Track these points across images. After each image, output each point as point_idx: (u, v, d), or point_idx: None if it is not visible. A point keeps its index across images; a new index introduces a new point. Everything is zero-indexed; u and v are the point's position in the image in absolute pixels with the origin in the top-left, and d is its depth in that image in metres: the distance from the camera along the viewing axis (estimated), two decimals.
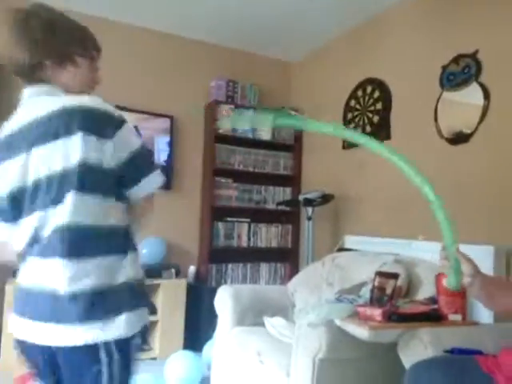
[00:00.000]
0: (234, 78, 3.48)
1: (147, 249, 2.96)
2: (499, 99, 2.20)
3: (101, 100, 0.97)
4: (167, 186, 3.19)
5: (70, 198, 0.90)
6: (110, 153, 0.93)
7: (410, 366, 1.32)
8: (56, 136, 0.91)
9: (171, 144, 3.27)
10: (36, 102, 0.98)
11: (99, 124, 0.93)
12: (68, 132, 0.91)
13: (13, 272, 2.52)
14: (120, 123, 0.96)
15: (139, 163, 0.99)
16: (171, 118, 3.28)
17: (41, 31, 0.97)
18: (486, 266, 2.04)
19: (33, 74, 0.99)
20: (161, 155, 3.23)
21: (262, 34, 3.35)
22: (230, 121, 1.07)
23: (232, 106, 3.37)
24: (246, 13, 3.07)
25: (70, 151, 0.90)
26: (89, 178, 0.91)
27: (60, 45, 1.00)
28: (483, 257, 2.07)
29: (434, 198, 1.04)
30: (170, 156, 3.26)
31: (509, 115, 2.16)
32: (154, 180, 1.01)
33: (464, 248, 2.30)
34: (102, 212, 0.93)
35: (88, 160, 0.91)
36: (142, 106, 3.18)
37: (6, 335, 2.35)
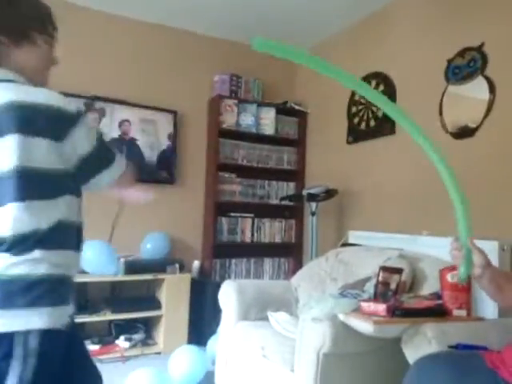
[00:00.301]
0: (238, 73, 3.46)
1: (151, 244, 2.97)
2: (505, 93, 2.18)
3: (55, 94, 0.90)
4: (170, 180, 3.19)
5: (10, 209, 0.85)
6: (62, 153, 0.88)
7: (414, 361, 1.32)
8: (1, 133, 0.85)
9: (175, 139, 3.27)
10: None
11: (50, 124, 0.87)
12: (6, 132, 0.84)
13: None
14: (74, 121, 0.90)
15: (95, 161, 0.95)
16: (174, 112, 3.27)
17: None
18: (491, 261, 2.04)
19: None
20: (165, 150, 3.23)
21: (265, 27, 3.33)
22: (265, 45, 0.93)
23: (235, 101, 3.36)
24: (249, 6, 3.05)
25: (3, 153, 0.84)
26: (30, 185, 0.85)
27: (17, 20, 0.92)
28: (488, 252, 2.06)
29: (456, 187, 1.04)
30: (173, 151, 3.26)
31: None
32: (115, 169, 1.00)
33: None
34: (46, 213, 0.88)
35: (28, 164, 0.85)
36: (146, 101, 3.17)
37: None
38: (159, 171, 3.20)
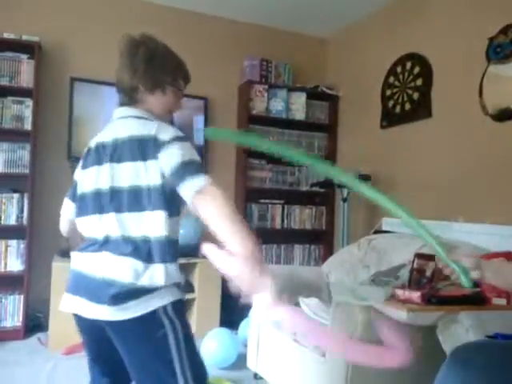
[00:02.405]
0: (268, 57, 3.42)
1: (184, 229, 3.01)
2: None
3: (159, 125, 1.06)
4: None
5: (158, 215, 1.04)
6: (155, 171, 1.02)
7: (451, 350, 1.29)
8: (132, 158, 1.05)
9: (206, 125, 3.28)
10: (123, 124, 1.12)
11: (144, 149, 1.03)
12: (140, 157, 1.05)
13: (61, 252, 2.63)
14: (161, 145, 1.03)
15: (180, 172, 1.01)
16: (205, 99, 3.28)
17: (143, 60, 1.13)
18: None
19: (130, 94, 1.15)
20: (198, 136, 3.25)
21: (295, 10, 3.26)
22: (217, 133, 1.21)
23: (266, 86, 3.32)
24: None
25: (141, 173, 1.04)
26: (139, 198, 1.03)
27: (155, 74, 1.15)
28: None
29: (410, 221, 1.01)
30: (203, 137, 3.28)
31: None
32: (193, 182, 1.01)
33: (504, 229, 2.19)
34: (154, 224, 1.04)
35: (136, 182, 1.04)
36: None
37: (55, 312, 2.46)
38: None
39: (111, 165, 1.06)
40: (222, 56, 3.41)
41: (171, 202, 1.05)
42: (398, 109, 2.97)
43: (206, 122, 3.28)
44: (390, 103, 3.03)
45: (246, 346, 2.34)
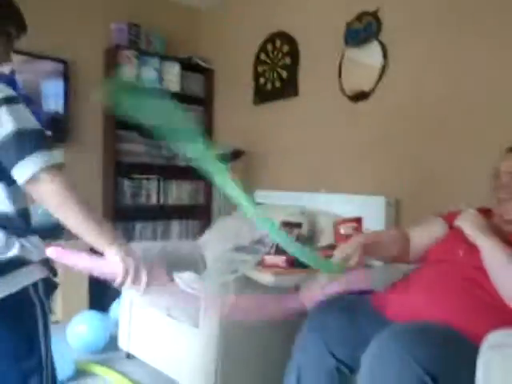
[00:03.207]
0: (138, 22, 3.20)
1: (42, 208, 2.73)
2: (397, 58, 2.33)
3: None
4: (62, 138, 2.90)
5: None
6: None
7: (310, 308, 1.41)
8: None
9: (66, 92, 2.95)
10: None
11: None
12: None
13: None
14: None
15: (10, 146, 0.86)
16: (65, 62, 2.93)
17: None
18: (378, 215, 2.24)
19: None
20: (50, 102, 2.88)
21: None
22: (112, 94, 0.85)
23: (135, 52, 3.12)
24: None
25: None
26: None
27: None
28: (376, 207, 2.26)
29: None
30: (65, 105, 2.95)
31: (404, 74, 2.30)
32: (34, 161, 0.86)
33: (358, 198, 2.47)
34: None
35: None
36: (27, 47, 2.78)
37: None
38: (46, 128, 2.90)
39: None
40: (86, 17, 3.08)
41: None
42: (269, 86, 3.07)
43: (67, 88, 2.96)
44: (262, 80, 3.12)
45: (117, 326, 2.26)
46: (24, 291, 0.94)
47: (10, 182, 0.92)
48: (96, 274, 0.95)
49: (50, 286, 1.02)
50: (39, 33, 2.86)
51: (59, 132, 2.90)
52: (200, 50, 3.60)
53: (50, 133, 2.76)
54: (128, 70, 3.08)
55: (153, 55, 3.22)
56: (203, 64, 3.49)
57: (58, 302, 2.69)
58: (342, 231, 1.72)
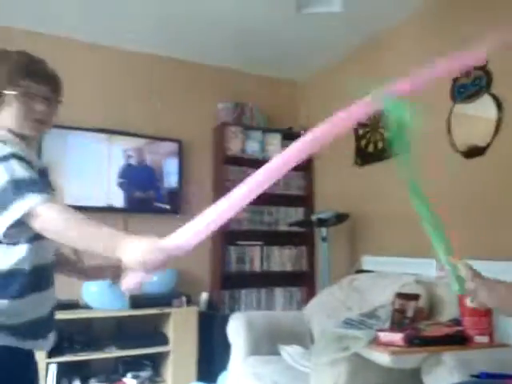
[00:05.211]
0: (241, 100, 3.48)
1: (157, 277, 2.90)
2: None
3: None
4: (175, 210, 3.15)
5: None
6: None
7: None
8: None
9: (180, 169, 3.25)
10: None
11: None
12: None
13: None
14: None
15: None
16: (179, 142, 3.27)
17: None
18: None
19: None
20: (170, 180, 3.22)
21: (267, 53, 3.35)
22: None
23: (240, 128, 3.35)
24: (249, 35, 3.09)
25: None
26: None
27: None
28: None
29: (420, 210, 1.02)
30: (179, 180, 3.24)
31: None
32: (18, 206, 0.87)
33: (485, 265, 2.18)
34: None
35: None
36: (150, 131, 3.19)
37: None
38: (163, 201, 3.17)
39: None
40: (196, 100, 3.45)
41: None
42: (371, 147, 3.02)
43: (181, 165, 3.25)
44: (363, 142, 3.08)
45: None
46: None
47: None
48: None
49: (12, 357, 0.94)
50: (159, 118, 3.27)
51: (175, 205, 3.16)
52: (299, 119, 3.74)
53: (168, 207, 3.06)
54: (234, 144, 3.30)
55: (256, 129, 3.42)
56: (303, 132, 3.59)
57: (168, 370, 2.75)
58: (470, 303, 1.51)
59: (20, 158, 0.93)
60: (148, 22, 2.94)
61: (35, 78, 1.02)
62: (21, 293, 0.95)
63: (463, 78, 2.39)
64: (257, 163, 3.64)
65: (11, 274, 0.94)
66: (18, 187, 0.88)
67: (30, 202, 0.87)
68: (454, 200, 2.39)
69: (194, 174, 3.36)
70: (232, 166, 3.31)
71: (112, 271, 1.15)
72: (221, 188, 3.24)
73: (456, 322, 1.62)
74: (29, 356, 1.03)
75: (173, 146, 3.24)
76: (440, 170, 2.49)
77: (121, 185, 3.05)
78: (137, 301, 2.72)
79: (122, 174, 3.06)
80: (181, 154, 3.27)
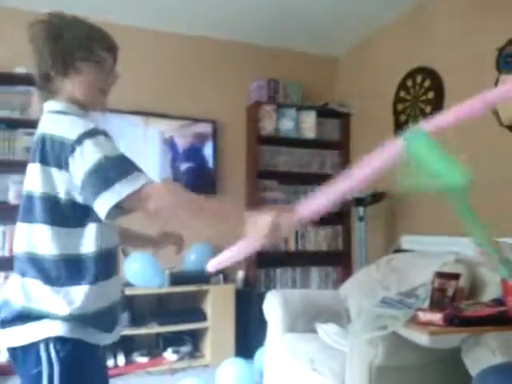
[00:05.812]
0: (275, 77, 3.41)
1: (195, 255, 2.97)
2: None
3: (70, 123, 0.90)
4: (212, 190, 3.19)
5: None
6: (68, 181, 0.88)
7: (477, 373, 1.19)
8: (32, 160, 0.94)
9: (215, 149, 3.27)
10: (41, 120, 0.97)
11: (54, 154, 0.89)
12: (34, 160, 0.93)
13: None
14: (72, 147, 0.86)
15: (93, 182, 0.85)
16: (213, 122, 3.28)
17: (45, 40, 0.94)
18: None
19: (44, 85, 0.97)
20: (204, 159, 3.25)
21: (301, 29, 3.26)
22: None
23: (274, 106, 3.31)
24: (285, 10, 3.01)
25: (35, 179, 0.92)
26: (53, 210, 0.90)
27: (62, 53, 0.94)
28: None
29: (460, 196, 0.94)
30: (214, 160, 3.26)
31: None
32: (118, 190, 0.84)
33: None
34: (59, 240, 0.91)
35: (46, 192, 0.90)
36: (184, 112, 3.20)
37: None
38: (200, 181, 3.21)
39: (30, 165, 0.95)
40: (229, 78, 3.42)
41: (61, 213, 0.89)
42: (411, 123, 2.91)
43: (216, 146, 3.27)
44: (402, 118, 2.97)
45: (261, 375, 2.25)
46: (33, 347, 0.87)
47: (61, 224, 0.90)
48: (246, 253, 0.94)
49: (76, 347, 0.90)
50: (193, 99, 3.28)
51: (210, 185, 3.20)
52: (336, 95, 3.64)
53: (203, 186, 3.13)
54: (268, 124, 3.27)
55: (290, 106, 3.37)
56: (339, 109, 3.50)
57: (207, 346, 2.84)
58: None
59: (105, 134, 0.90)
60: (181, 2, 2.93)
61: (111, 50, 1.02)
62: (104, 275, 0.93)
63: (510, 46, 2.23)
64: (290, 142, 3.63)
65: (89, 258, 0.91)
66: (116, 166, 0.85)
67: (137, 182, 0.84)
68: (496, 177, 2.27)
69: (229, 154, 3.37)
70: (265, 146, 3.29)
71: (174, 238, 1.22)
72: (255, 168, 3.24)
73: (498, 301, 1.56)
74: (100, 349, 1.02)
75: (208, 127, 3.26)
76: (487, 146, 2.37)
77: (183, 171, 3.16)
78: (176, 278, 2.80)
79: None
80: (215, 135, 3.28)
